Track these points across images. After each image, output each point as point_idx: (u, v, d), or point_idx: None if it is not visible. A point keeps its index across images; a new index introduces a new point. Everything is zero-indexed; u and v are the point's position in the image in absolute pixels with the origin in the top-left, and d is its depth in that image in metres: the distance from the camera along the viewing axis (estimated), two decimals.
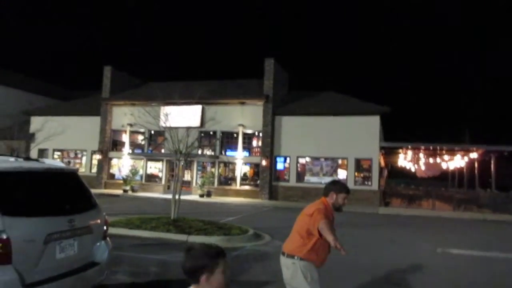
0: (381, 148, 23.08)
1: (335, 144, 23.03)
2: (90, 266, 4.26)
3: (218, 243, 9.25)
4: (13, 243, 3.40)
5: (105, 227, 4.71)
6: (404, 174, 37.91)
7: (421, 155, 26.69)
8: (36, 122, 26.63)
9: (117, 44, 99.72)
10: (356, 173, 23.00)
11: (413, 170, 30.35)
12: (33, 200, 4.05)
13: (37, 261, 3.62)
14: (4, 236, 3.37)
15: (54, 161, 5.16)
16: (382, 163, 26.72)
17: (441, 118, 77.31)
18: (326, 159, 23.57)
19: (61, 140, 24.53)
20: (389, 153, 26.46)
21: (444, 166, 27.62)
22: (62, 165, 4.87)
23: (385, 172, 29.70)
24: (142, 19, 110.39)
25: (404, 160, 29.39)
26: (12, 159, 4.36)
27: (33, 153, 25.67)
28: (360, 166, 23.15)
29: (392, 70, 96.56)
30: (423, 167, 28.58)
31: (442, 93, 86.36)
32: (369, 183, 22.65)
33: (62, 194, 4.48)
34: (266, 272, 6.88)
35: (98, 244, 4.51)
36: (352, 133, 22.76)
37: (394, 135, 40.66)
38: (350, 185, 22.58)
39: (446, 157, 26.26)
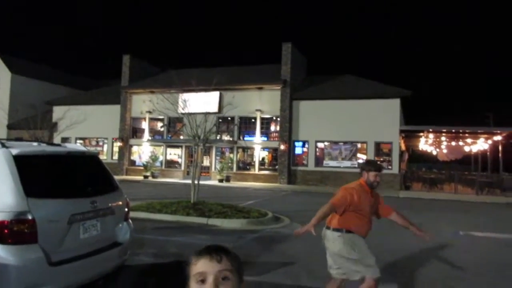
0: (402, 131, 22.71)
1: (354, 128, 22.76)
2: (113, 246, 4.37)
3: (238, 226, 9.29)
4: (38, 223, 3.51)
5: (126, 209, 4.80)
6: (425, 158, 37.36)
7: (443, 138, 26.17)
8: (58, 112, 27.18)
9: (137, 33, 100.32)
10: (376, 157, 22.74)
11: (434, 153, 29.85)
12: (56, 182, 4.16)
13: (62, 240, 3.73)
14: (30, 217, 3.47)
15: (76, 145, 5.26)
16: (403, 147, 26.34)
17: (463, 101, 75.43)
18: (345, 143, 23.35)
19: (83, 128, 24.98)
20: (410, 136, 26.02)
21: (467, 149, 27.04)
22: (83, 148, 4.96)
23: (406, 156, 29.27)
24: (160, 7, 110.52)
25: (426, 144, 28.90)
26: (35, 143, 4.47)
27: (56, 142, 26.27)
28: (380, 150, 22.89)
29: (413, 53, 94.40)
30: (445, 150, 28.06)
31: (465, 75, 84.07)
32: (390, 167, 22.41)
33: (84, 176, 4.59)
34: (285, 253, 6.93)
35: (120, 225, 4.61)
36: (372, 117, 22.44)
37: (415, 119, 39.97)
38: None
39: (469, 140, 25.68)
